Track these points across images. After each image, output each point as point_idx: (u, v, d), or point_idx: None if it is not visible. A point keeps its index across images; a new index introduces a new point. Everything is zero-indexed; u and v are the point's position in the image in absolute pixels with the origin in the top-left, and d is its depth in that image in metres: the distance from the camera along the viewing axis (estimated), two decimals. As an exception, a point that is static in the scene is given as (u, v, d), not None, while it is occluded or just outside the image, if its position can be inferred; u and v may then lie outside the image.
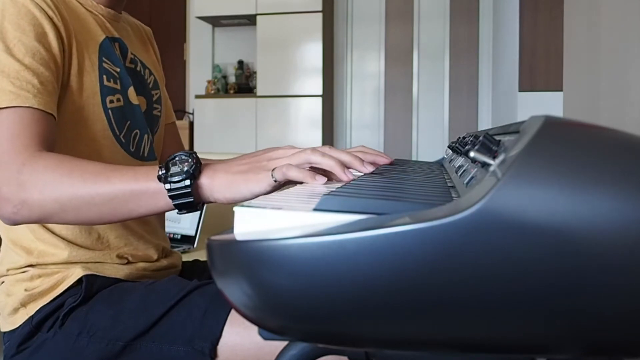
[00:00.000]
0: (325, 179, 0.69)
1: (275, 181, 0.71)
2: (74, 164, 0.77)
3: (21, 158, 0.76)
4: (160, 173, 0.74)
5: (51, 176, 0.75)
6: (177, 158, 0.75)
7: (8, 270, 0.95)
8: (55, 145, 0.83)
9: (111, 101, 0.96)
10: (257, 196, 0.72)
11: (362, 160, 0.75)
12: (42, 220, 0.79)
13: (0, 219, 0.79)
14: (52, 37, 0.86)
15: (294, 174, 0.69)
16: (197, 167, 0.74)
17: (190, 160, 0.74)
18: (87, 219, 0.78)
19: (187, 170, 0.73)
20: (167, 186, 0.73)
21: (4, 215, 0.77)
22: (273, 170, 0.71)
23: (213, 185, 0.74)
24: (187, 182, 0.72)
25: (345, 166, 0.73)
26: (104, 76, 0.95)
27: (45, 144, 0.80)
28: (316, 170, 0.72)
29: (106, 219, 0.78)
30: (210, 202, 0.76)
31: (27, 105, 0.80)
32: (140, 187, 0.75)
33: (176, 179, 0.73)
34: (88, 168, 0.77)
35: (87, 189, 0.75)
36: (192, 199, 0.73)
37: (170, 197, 0.73)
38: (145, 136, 1.04)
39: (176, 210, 0.75)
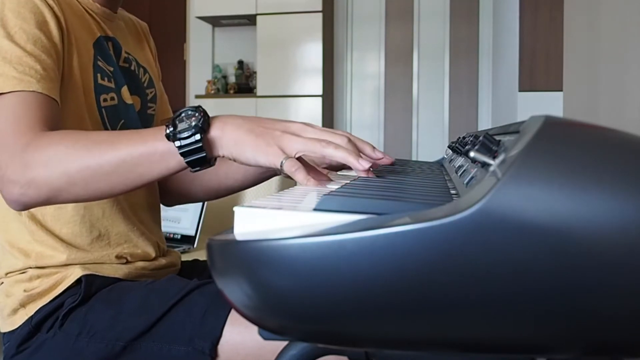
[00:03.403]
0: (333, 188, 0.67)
1: (281, 165, 0.67)
2: (77, 135, 0.75)
3: (25, 139, 0.75)
4: (168, 131, 0.70)
5: (55, 150, 0.73)
6: (183, 114, 0.71)
7: (7, 274, 0.94)
8: (59, 129, 0.81)
9: (105, 100, 0.96)
10: (258, 166, 0.70)
11: (379, 156, 0.73)
12: (51, 199, 0.75)
13: (9, 204, 0.77)
14: (53, 26, 0.86)
15: (300, 178, 0.66)
16: (206, 120, 0.70)
17: (197, 114, 0.71)
18: (98, 190, 0.75)
19: (195, 125, 0.69)
20: (177, 143, 0.69)
21: (12, 198, 0.75)
22: (285, 158, 0.67)
23: (222, 137, 0.70)
24: (198, 136, 0.69)
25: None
26: (99, 74, 0.95)
27: (49, 126, 0.78)
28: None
29: (117, 188, 0.75)
30: (219, 156, 0.72)
31: (31, 89, 0.78)
32: (149, 149, 0.71)
33: (185, 134, 0.69)
34: (92, 137, 0.75)
35: (94, 157, 0.72)
36: (204, 154, 0.70)
37: (181, 154, 0.70)
38: None
39: (189, 168, 0.72)
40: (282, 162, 0.67)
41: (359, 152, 0.69)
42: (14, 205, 0.76)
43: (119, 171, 0.72)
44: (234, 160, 0.71)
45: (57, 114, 0.82)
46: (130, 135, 0.74)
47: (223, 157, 0.72)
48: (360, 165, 0.67)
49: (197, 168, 0.71)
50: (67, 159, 0.73)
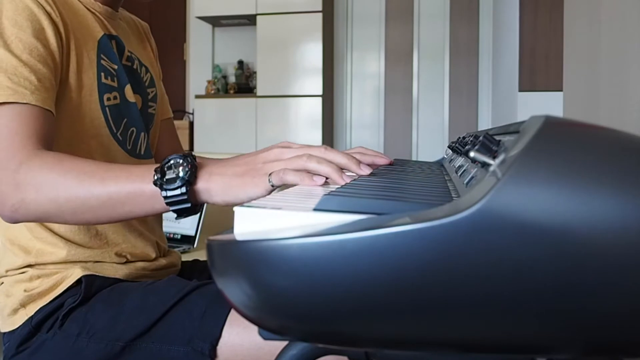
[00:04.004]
0: (324, 179, 0.69)
1: (272, 185, 0.71)
2: (70, 163, 0.77)
3: (19, 156, 0.76)
4: (155, 178, 0.73)
5: (47, 176, 0.75)
6: (172, 161, 0.73)
7: (7, 271, 0.94)
8: (53, 142, 0.83)
9: (108, 99, 0.96)
10: (254, 199, 0.72)
11: (358, 162, 0.74)
12: (41, 220, 0.79)
13: (1, 217, 0.79)
14: (50, 33, 0.86)
15: (291, 178, 0.69)
16: (193, 172, 0.73)
17: (185, 164, 0.73)
18: (84, 219, 0.78)
19: (182, 177, 0.72)
20: (164, 193, 0.72)
21: (4, 213, 0.77)
22: (270, 174, 0.71)
23: (210, 189, 0.73)
24: (183, 189, 0.71)
25: (342, 169, 0.72)
26: (102, 73, 0.95)
27: (43, 141, 0.80)
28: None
29: (103, 220, 0.78)
30: (209, 203, 0.75)
31: (25, 101, 0.79)
32: (136, 190, 0.74)
33: (172, 186, 0.71)
34: (84, 168, 0.76)
35: (83, 190, 0.74)
36: (189, 205, 0.72)
37: (167, 203, 0.72)
38: (142, 134, 1.04)
39: (175, 214, 0.74)
40: (269, 181, 0.70)
41: (339, 166, 0.71)
42: (6, 219, 0.79)
43: (106, 206, 0.75)
44: (227, 205, 0.73)
45: (51, 125, 0.83)
46: (119, 172, 0.76)
47: (214, 204, 0.75)
48: (343, 181, 0.69)
49: (183, 215, 0.74)
50: (57, 187, 0.75)
